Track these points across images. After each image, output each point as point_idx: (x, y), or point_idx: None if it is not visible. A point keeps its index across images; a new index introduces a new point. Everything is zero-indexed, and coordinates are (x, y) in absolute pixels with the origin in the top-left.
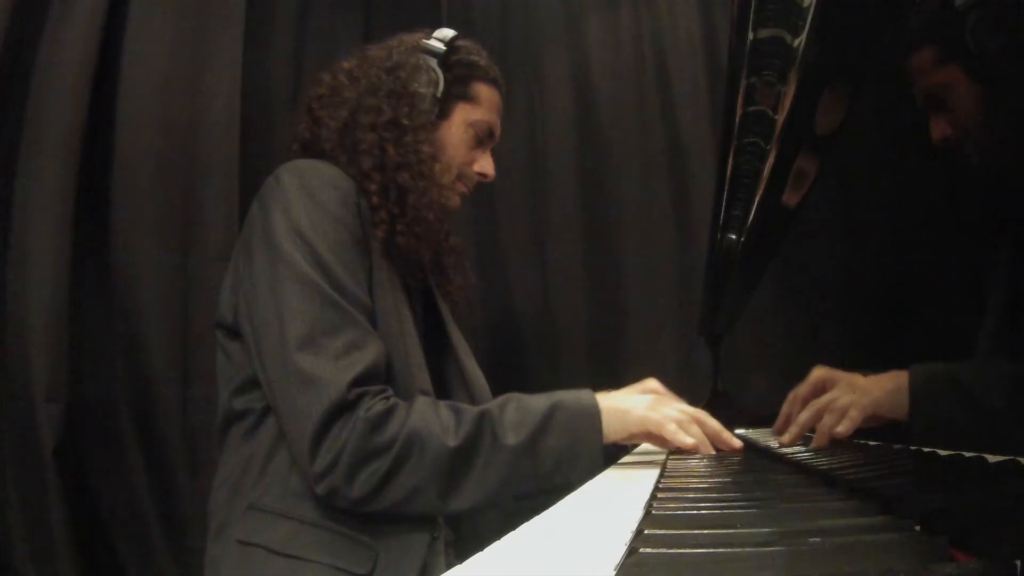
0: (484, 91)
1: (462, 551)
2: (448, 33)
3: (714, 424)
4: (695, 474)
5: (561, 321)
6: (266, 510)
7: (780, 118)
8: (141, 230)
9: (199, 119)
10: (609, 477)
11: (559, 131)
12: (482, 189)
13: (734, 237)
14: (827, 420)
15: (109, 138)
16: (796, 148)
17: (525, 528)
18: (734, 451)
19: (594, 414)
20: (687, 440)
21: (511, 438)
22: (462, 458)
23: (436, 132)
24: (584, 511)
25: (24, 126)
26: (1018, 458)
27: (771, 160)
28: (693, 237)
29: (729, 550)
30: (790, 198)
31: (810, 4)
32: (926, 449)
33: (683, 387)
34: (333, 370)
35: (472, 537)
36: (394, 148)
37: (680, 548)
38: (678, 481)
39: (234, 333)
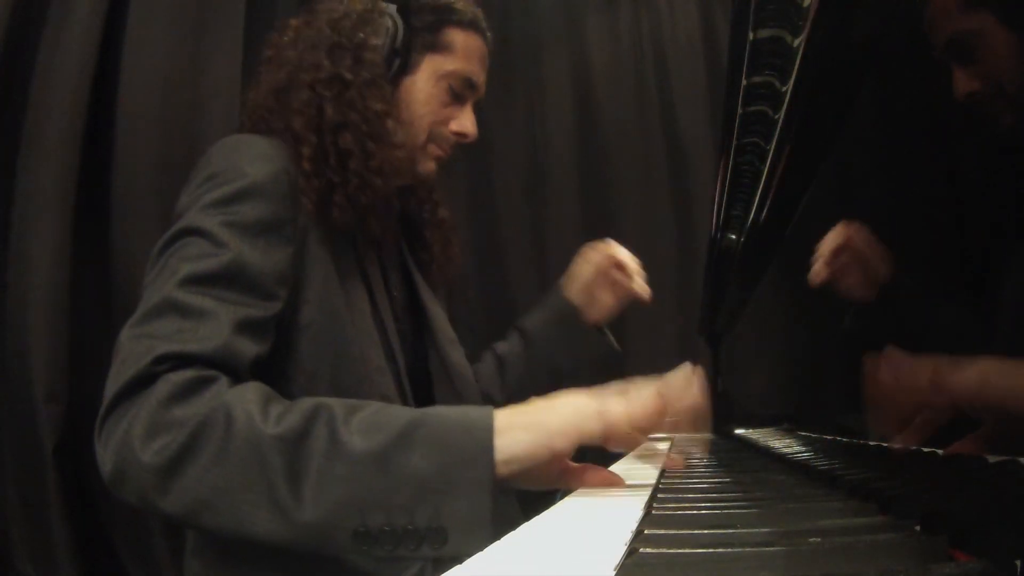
0: (458, 37)
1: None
2: None
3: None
4: (695, 474)
5: None
6: (210, 553)
7: (780, 118)
8: (141, 230)
9: (199, 119)
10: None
11: (559, 131)
12: (482, 189)
13: (734, 237)
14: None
15: (109, 138)
16: (796, 148)
17: (525, 528)
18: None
19: (480, 428)
20: (632, 446)
21: (356, 443)
22: (284, 454)
23: (396, 88)
24: (584, 511)
25: (24, 126)
26: (1018, 458)
27: (771, 160)
28: (693, 237)
29: (729, 550)
30: (789, 198)
31: (810, 4)
32: (926, 449)
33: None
34: (145, 347)
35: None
36: (333, 107)
37: (680, 548)
38: (678, 481)
39: None
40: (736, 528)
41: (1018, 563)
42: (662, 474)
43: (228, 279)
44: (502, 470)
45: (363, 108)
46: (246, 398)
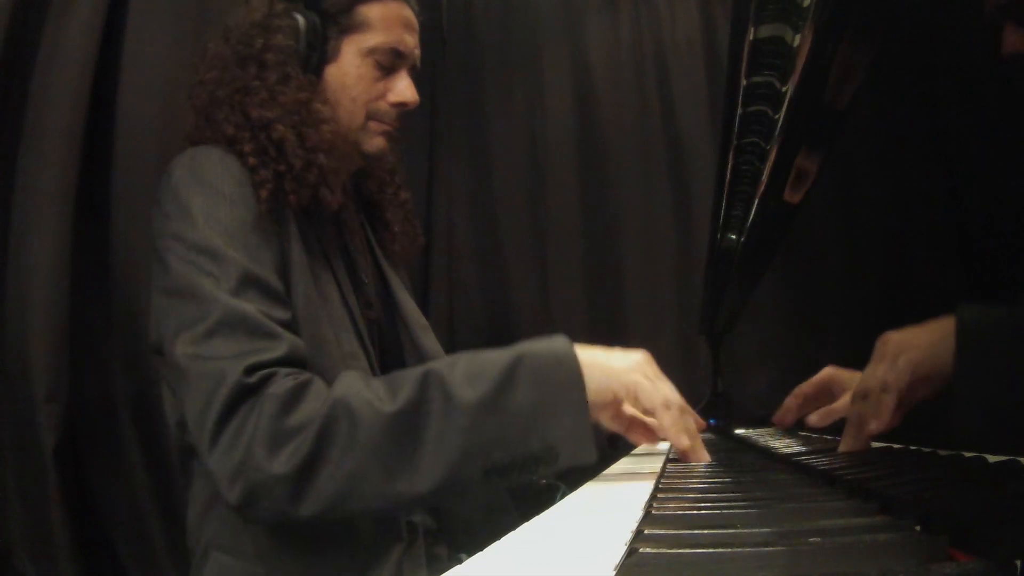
0: (373, 12)
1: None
2: None
3: (695, 426)
4: (695, 474)
5: (561, 321)
6: (227, 551)
7: (780, 118)
8: (141, 230)
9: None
10: (609, 477)
11: (559, 131)
12: (482, 189)
13: (734, 237)
14: (862, 409)
15: (109, 138)
16: (796, 148)
17: (525, 528)
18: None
19: (570, 359)
20: (682, 439)
21: (468, 393)
22: (407, 426)
23: (322, 78)
24: (584, 511)
25: (24, 126)
26: (1018, 458)
27: (771, 160)
28: (693, 237)
29: (729, 550)
30: (790, 198)
31: (810, 4)
32: (926, 449)
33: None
34: (230, 360)
35: (463, 535)
36: (255, 110)
37: (680, 548)
38: (678, 481)
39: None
40: (736, 528)
41: (1018, 563)
42: (662, 474)
43: (247, 286)
44: (591, 396)
45: (283, 103)
46: (355, 388)
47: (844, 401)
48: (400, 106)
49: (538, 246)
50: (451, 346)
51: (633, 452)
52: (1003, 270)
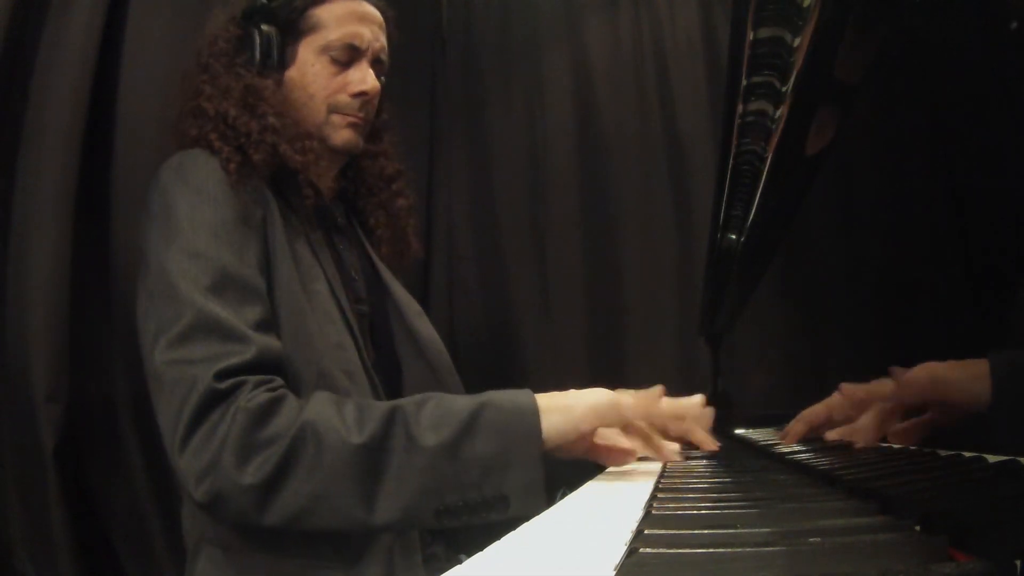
0: (324, 13)
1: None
2: None
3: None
4: (695, 474)
5: (561, 321)
6: (220, 545)
7: (780, 118)
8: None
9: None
10: (609, 477)
11: (559, 131)
12: (482, 189)
13: (734, 237)
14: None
15: (109, 138)
16: (796, 148)
17: (525, 528)
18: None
19: (530, 413)
20: (622, 443)
21: (429, 438)
22: (371, 460)
23: (282, 83)
24: (584, 511)
25: (24, 126)
26: (1018, 458)
27: (771, 160)
28: (693, 237)
29: (729, 550)
30: (790, 198)
31: (810, 4)
32: (926, 449)
33: (683, 387)
34: (202, 366)
35: (461, 535)
36: (209, 105)
37: (680, 548)
38: (678, 481)
39: None
40: (736, 528)
41: (1018, 563)
42: (662, 474)
43: (223, 286)
44: (547, 444)
45: (232, 94)
46: (325, 413)
47: (865, 420)
48: (361, 95)
49: (538, 246)
50: (451, 346)
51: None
52: (1004, 271)
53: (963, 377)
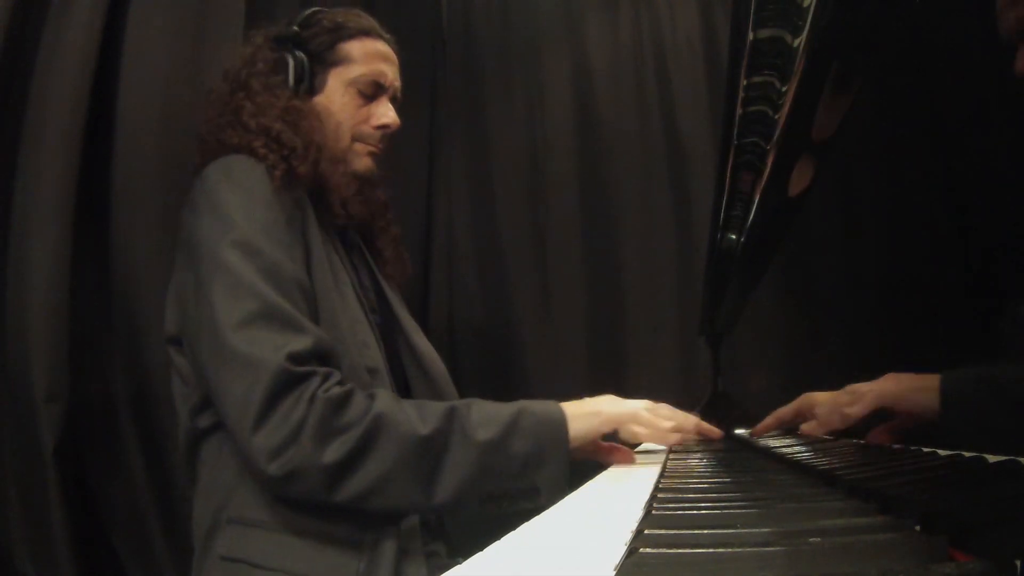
0: (354, 47)
1: (460, 550)
2: (306, 12)
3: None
4: (695, 474)
5: (561, 321)
6: (247, 523)
7: (780, 118)
8: (141, 230)
9: (199, 119)
10: (609, 477)
11: (559, 131)
12: (482, 189)
13: (734, 237)
14: (841, 398)
15: (109, 138)
16: (796, 148)
17: (525, 528)
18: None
19: (560, 421)
20: (664, 424)
21: (481, 434)
22: (433, 448)
23: (311, 108)
24: (584, 511)
25: (24, 126)
26: (1018, 458)
27: (771, 160)
28: (693, 237)
29: (729, 550)
30: (790, 198)
31: (810, 4)
32: (926, 449)
33: (683, 387)
34: (271, 349)
35: (460, 536)
36: (251, 120)
37: (680, 548)
38: (678, 481)
39: (181, 346)
40: (736, 528)
41: (1018, 563)
42: (662, 474)
43: (279, 280)
44: (572, 445)
45: (273, 111)
46: (394, 407)
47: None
48: (383, 128)
49: (538, 246)
50: (451, 346)
51: (634, 451)
52: (1002, 271)
53: (912, 391)
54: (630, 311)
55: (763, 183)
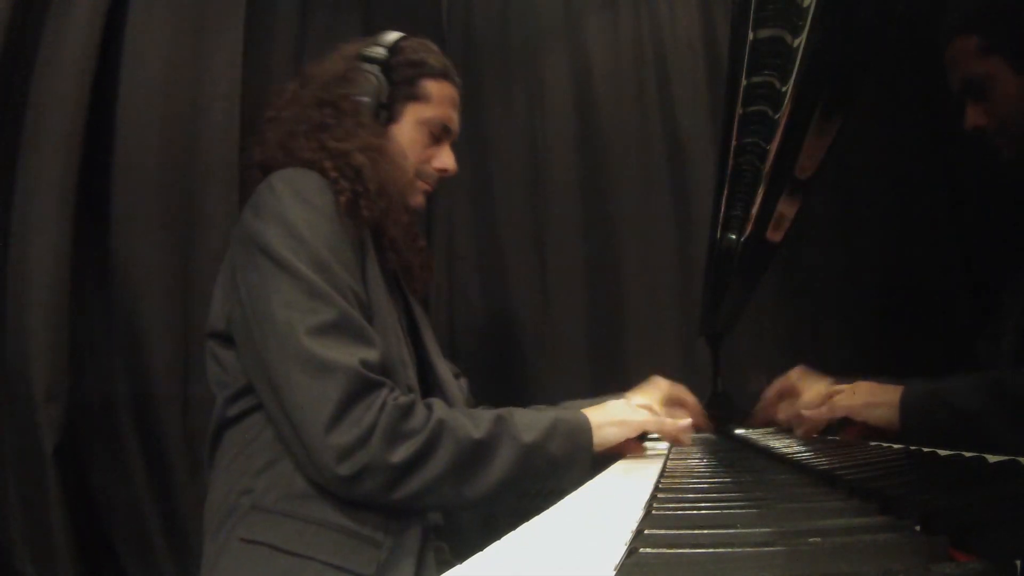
0: (433, 88)
1: (459, 551)
2: (392, 37)
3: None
4: (695, 474)
5: (561, 321)
6: (271, 510)
7: (780, 118)
8: (141, 230)
9: (199, 119)
10: (609, 476)
11: (559, 131)
12: (483, 189)
13: (734, 237)
14: (814, 397)
15: (109, 138)
16: (796, 148)
17: (525, 528)
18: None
19: (588, 429)
20: (673, 429)
21: (526, 436)
22: (485, 450)
23: (386, 134)
24: (584, 510)
25: (24, 126)
26: (1018, 458)
27: (771, 160)
28: (693, 237)
29: (729, 550)
30: (789, 199)
31: (810, 4)
32: (926, 449)
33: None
34: (347, 355)
35: (454, 535)
36: (332, 142)
37: (680, 548)
38: (678, 481)
39: (228, 341)
40: (736, 528)
41: (1018, 563)
42: (662, 474)
43: (346, 294)
44: (596, 451)
45: (359, 140)
46: (452, 414)
47: (806, 397)
48: (442, 172)
49: (538, 246)
50: (451, 346)
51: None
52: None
53: (872, 406)
54: (630, 311)
55: (763, 183)
